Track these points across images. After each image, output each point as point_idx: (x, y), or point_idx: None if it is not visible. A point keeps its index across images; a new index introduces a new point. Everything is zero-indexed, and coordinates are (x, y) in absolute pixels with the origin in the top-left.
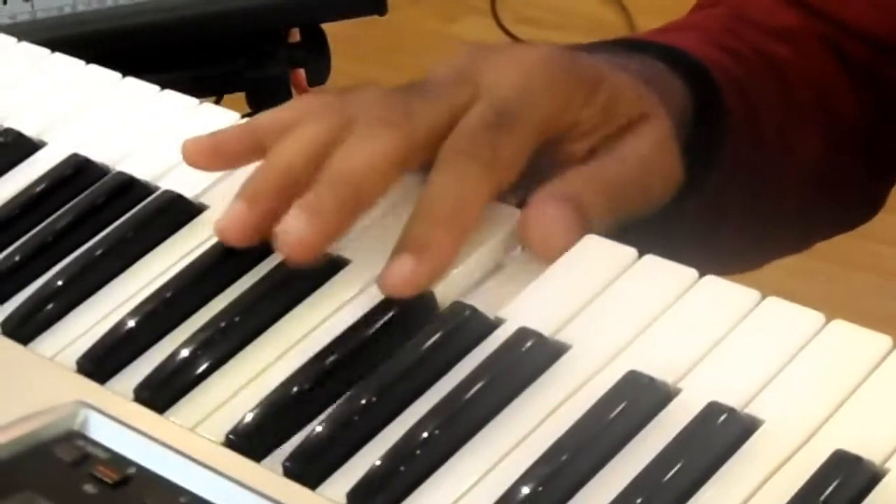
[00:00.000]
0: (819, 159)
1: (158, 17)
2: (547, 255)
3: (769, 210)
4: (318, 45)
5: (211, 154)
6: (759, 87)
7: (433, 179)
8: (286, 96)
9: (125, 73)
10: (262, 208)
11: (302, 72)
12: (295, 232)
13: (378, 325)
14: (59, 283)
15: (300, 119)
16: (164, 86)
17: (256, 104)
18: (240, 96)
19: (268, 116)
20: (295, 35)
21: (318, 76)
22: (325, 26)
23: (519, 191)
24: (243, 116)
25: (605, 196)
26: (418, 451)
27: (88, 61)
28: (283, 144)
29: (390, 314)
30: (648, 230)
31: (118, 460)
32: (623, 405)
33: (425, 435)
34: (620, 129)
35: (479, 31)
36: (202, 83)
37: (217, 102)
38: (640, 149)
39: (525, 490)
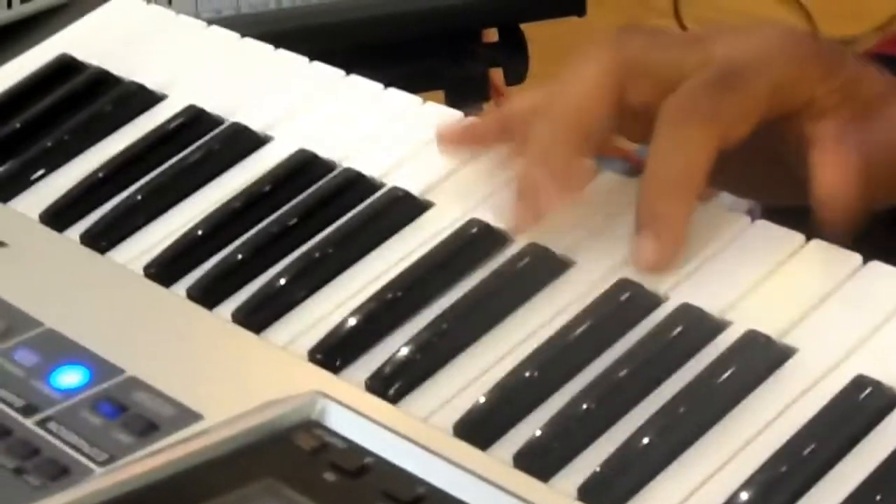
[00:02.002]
0: None
1: (358, 15)
2: (835, 204)
3: None
4: (516, 46)
5: (462, 137)
6: None
7: (655, 146)
8: (484, 95)
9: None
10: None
11: (499, 71)
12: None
13: (604, 323)
14: (288, 275)
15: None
16: None
17: (454, 103)
18: (437, 95)
19: (517, 102)
20: (492, 35)
21: (516, 76)
22: (524, 27)
23: (754, 189)
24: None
25: (874, 174)
26: (647, 450)
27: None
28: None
29: (613, 312)
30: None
31: (355, 449)
32: (850, 410)
33: (651, 436)
34: (868, 109)
35: None
36: (400, 81)
37: None
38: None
39: (748, 495)
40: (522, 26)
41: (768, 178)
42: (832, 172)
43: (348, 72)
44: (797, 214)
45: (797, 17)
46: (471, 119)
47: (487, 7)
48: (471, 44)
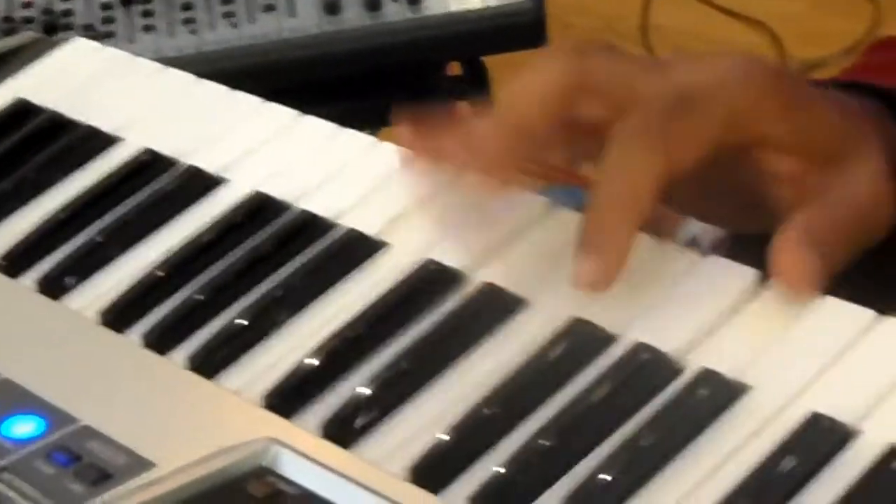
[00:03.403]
0: None
1: (321, 51)
2: (796, 301)
3: None
4: (479, 78)
5: (426, 154)
6: None
7: (602, 167)
8: None
9: (287, 106)
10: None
11: (463, 104)
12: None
13: (560, 363)
14: (243, 319)
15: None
16: (324, 118)
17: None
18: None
19: (476, 128)
20: (456, 68)
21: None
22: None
23: (719, 217)
24: None
25: (842, 236)
26: (599, 496)
27: (250, 93)
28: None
29: (567, 351)
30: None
31: (309, 496)
32: (803, 448)
33: (605, 479)
34: (828, 160)
35: None
36: (363, 116)
37: (374, 135)
38: (859, 187)
39: None
40: (485, 58)
41: (732, 207)
42: (790, 273)
43: (312, 107)
44: (765, 240)
45: (766, 41)
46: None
47: (450, 40)
48: (434, 77)
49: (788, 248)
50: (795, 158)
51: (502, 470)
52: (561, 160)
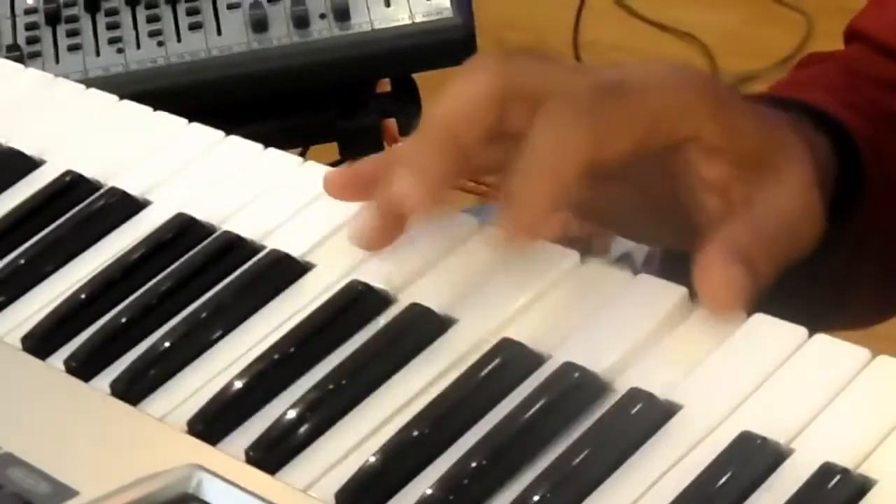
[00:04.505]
0: None
1: (249, 69)
2: (723, 317)
3: None
4: (409, 95)
5: (349, 182)
6: (888, 143)
7: (528, 139)
8: (377, 147)
9: (213, 125)
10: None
11: (393, 122)
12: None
13: (488, 383)
14: (167, 344)
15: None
16: (251, 136)
17: (347, 154)
18: (330, 146)
19: (405, 145)
20: (385, 85)
21: (410, 126)
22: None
23: (649, 234)
24: (332, 164)
25: (767, 249)
26: None
27: (180, 113)
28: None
29: (496, 371)
30: (779, 284)
31: None
32: (736, 466)
33: (537, 499)
34: (757, 168)
35: None
36: (293, 134)
37: (304, 153)
38: (788, 198)
39: None
40: (415, 75)
41: (662, 223)
42: (715, 289)
43: (242, 126)
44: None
45: (698, 55)
46: (357, 163)
47: (379, 58)
48: (364, 95)
49: (712, 263)
50: (724, 163)
51: (431, 492)
52: (492, 171)
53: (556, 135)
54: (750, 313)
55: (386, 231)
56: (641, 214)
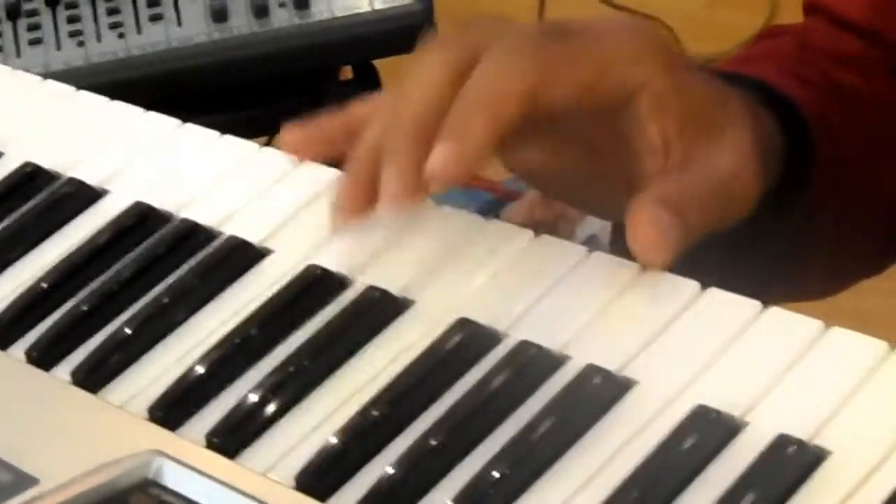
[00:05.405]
0: None
1: (210, 59)
2: (652, 265)
3: (857, 241)
4: (370, 82)
5: (309, 136)
6: (838, 118)
7: (474, 72)
8: None
9: (178, 116)
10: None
11: None
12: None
13: (446, 362)
14: (127, 331)
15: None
16: (216, 127)
17: None
18: None
19: (361, 105)
20: (347, 72)
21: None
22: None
23: (600, 205)
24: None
25: (697, 205)
26: (490, 492)
27: (142, 105)
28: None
29: (454, 351)
30: (733, 257)
31: None
32: (691, 440)
33: (496, 475)
34: (700, 128)
35: None
36: (257, 123)
37: (269, 142)
38: (724, 159)
39: None
40: (376, 62)
41: (615, 194)
42: (644, 235)
43: (205, 117)
44: None
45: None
46: (317, 120)
47: (339, 45)
48: (325, 82)
49: (640, 209)
50: (670, 121)
51: (392, 471)
52: None
53: (496, 67)
54: (705, 287)
55: (363, 196)
56: (596, 182)
